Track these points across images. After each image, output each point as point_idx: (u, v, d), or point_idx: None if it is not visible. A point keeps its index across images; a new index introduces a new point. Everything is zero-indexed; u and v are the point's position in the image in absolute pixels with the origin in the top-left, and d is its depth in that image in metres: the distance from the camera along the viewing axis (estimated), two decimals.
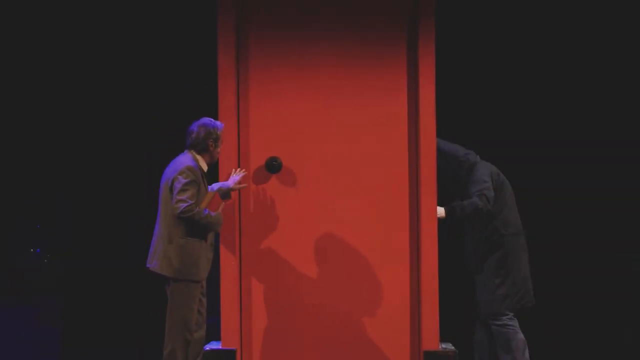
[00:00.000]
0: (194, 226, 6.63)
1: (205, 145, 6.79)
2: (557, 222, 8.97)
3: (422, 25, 7.30)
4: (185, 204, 6.55)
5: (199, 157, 6.80)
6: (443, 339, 7.40)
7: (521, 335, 7.43)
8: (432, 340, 7.24)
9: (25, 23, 9.19)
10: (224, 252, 7.28)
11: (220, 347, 7.28)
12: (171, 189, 6.65)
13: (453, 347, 7.36)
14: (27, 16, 9.19)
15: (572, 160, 8.98)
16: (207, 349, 7.18)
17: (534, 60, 9.00)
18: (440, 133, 7.40)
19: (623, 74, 8.97)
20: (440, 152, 7.44)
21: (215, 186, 6.95)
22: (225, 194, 6.98)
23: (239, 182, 7.02)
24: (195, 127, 6.82)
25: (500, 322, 7.44)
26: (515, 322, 7.45)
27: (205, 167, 6.84)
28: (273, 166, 7.31)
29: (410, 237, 7.36)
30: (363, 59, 7.38)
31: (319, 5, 7.41)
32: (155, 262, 6.73)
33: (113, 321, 9.14)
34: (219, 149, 6.88)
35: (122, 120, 9.18)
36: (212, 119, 6.89)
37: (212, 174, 7.12)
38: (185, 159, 6.74)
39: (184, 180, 6.59)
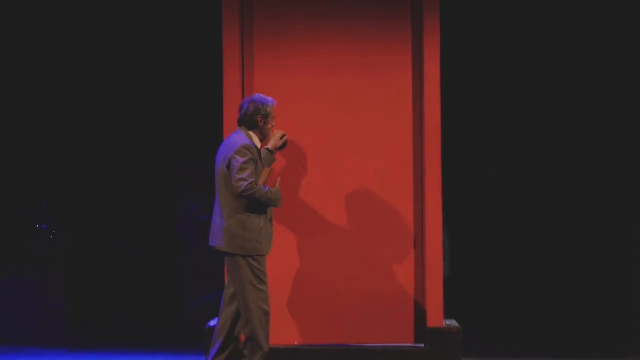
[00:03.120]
0: (254, 202, 6.60)
1: (254, 121, 6.74)
2: (560, 206, 8.98)
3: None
4: (246, 182, 6.51)
5: (251, 133, 6.75)
6: (447, 316, 7.40)
7: None
8: (436, 317, 7.24)
9: (24, 23, 9.29)
10: None
11: None
12: (229, 167, 6.62)
13: (457, 324, 7.35)
14: (26, 17, 9.27)
15: (571, 149, 8.99)
16: (210, 325, 7.18)
17: (533, 51, 9.00)
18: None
19: (624, 60, 8.95)
20: None
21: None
22: (271, 158, 6.90)
23: (280, 137, 6.95)
24: (245, 103, 6.79)
25: None
26: None
27: (258, 144, 6.77)
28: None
29: (415, 214, 7.33)
30: (368, 33, 7.36)
31: None
32: (219, 241, 6.69)
33: (116, 293, 9.27)
34: (269, 126, 6.79)
35: (129, 103, 9.31)
36: (263, 95, 6.82)
37: None
38: (240, 137, 6.69)
39: (241, 160, 6.55)
